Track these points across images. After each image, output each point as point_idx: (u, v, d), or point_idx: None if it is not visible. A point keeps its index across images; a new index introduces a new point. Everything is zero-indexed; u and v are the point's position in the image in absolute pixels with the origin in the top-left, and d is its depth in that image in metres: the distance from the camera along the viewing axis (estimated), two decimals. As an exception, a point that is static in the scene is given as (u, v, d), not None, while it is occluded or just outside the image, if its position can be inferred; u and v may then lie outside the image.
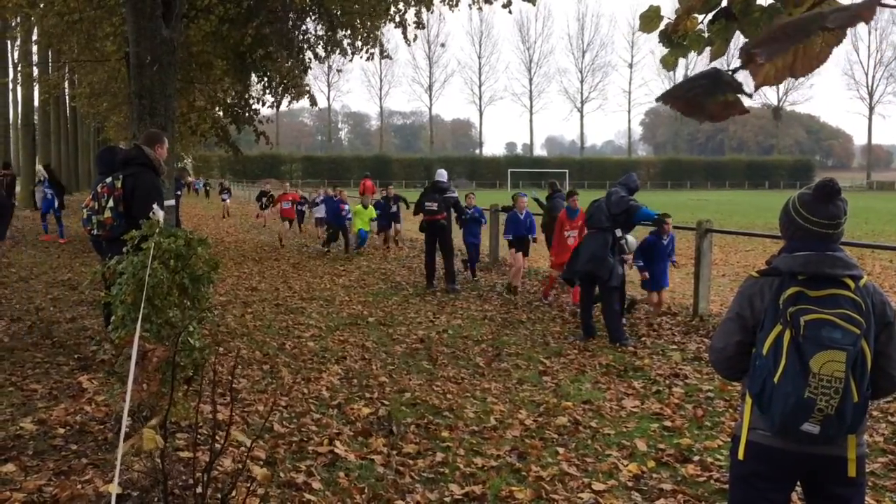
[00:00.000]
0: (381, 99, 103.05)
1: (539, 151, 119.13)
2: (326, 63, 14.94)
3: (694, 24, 1.72)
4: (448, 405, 5.17)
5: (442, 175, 11.11)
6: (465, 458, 4.18)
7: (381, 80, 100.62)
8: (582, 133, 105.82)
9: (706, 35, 1.73)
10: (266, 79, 13.84)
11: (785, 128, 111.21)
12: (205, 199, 43.23)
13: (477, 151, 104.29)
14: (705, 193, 64.02)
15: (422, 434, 4.59)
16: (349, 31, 12.87)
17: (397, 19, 12.16)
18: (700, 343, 7.18)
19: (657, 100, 1.58)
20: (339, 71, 55.23)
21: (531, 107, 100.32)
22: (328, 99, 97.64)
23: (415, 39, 12.54)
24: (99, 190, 5.50)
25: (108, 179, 5.49)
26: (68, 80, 23.71)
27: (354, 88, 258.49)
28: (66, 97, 29.67)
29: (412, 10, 11.97)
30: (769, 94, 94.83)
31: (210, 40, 11.90)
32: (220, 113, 16.67)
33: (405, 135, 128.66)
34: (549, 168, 73.23)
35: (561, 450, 4.34)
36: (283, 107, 15.61)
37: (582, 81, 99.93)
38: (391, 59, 14.73)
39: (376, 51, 13.14)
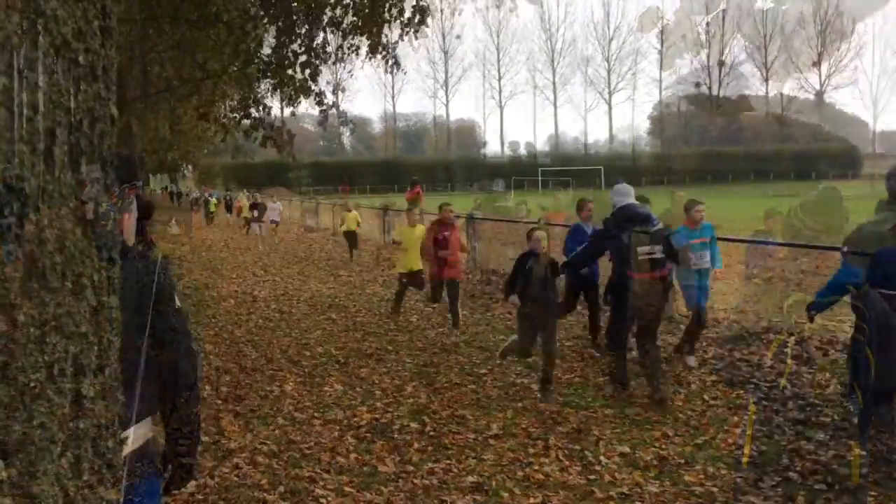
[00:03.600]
0: (393, 103, 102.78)
1: (542, 147, 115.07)
2: (336, 69, 14.93)
3: None
4: (451, 412, 5.18)
5: (628, 193, 5.83)
6: (468, 465, 4.20)
7: (386, 86, 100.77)
8: (611, 128, 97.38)
9: None
10: (276, 85, 13.83)
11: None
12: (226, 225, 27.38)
13: (483, 152, 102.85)
14: (760, 187, 52.56)
15: (425, 440, 4.61)
16: (356, 38, 12.90)
17: (398, 30, 12.17)
18: (704, 350, 7.15)
19: None
20: (342, 90, 54.58)
21: (555, 100, 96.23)
22: (335, 104, 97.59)
23: (416, 37, 12.46)
24: None
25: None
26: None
27: (359, 92, 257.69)
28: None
29: (408, 12, 11.92)
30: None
31: (218, 48, 11.96)
32: (228, 116, 16.66)
33: (409, 138, 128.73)
34: (575, 165, 69.43)
35: (564, 457, 4.35)
36: (287, 112, 15.55)
37: (609, 73, 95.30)
38: (399, 65, 14.61)
39: (382, 57, 13.14)
